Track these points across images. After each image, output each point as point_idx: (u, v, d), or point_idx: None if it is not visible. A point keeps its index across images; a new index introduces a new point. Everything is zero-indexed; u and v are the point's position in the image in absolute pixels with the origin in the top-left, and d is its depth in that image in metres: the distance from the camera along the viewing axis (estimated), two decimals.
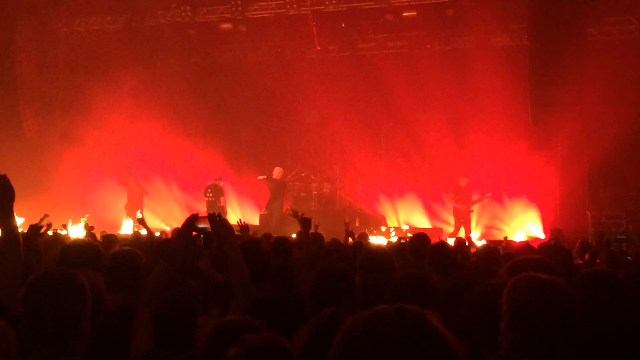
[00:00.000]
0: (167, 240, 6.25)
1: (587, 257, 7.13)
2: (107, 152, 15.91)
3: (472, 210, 13.81)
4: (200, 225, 3.15)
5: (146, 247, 5.44)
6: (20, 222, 7.95)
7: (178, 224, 5.09)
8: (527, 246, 6.26)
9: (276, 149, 17.12)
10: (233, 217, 14.84)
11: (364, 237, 8.75)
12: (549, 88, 12.71)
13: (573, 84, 12.67)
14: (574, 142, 13.11)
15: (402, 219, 15.37)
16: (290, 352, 2.08)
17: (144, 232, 7.96)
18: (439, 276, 4.07)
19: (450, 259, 4.50)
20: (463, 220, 13.73)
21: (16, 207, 3.08)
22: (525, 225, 13.62)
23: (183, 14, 15.59)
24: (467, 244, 8.28)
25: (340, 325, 1.30)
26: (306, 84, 15.38)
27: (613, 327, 2.54)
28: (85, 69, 15.91)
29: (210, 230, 3.24)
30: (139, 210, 14.07)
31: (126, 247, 4.01)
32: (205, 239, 3.27)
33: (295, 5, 14.88)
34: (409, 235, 10.47)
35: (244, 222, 6.57)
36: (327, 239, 7.18)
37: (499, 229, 14.01)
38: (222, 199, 15.08)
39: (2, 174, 3.07)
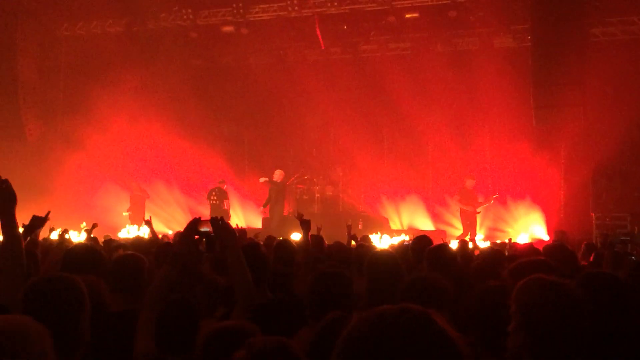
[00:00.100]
0: (167, 243, 6.24)
1: (592, 258, 7.08)
2: (109, 155, 15.91)
3: (479, 212, 13.71)
4: (203, 229, 3.13)
5: (147, 249, 5.42)
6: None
7: (180, 227, 5.07)
8: (531, 248, 6.22)
9: (279, 151, 17.10)
10: (236, 220, 14.84)
11: (366, 239, 8.70)
12: (552, 89, 12.66)
13: (576, 85, 12.62)
14: (577, 143, 13.10)
15: (405, 221, 15.33)
16: (297, 355, 2.05)
17: (144, 232, 7.94)
18: None
19: (449, 260, 4.47)
20: (469, 222, 13.59)
21: (18, 211, 3.07)
22: (529, 227, 13.55)
23: (184, 16, 15.60)
24: (471, 245, 8.24)
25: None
26: (308, 86, 15.37)
27: (613, 327, 2.55)
28: (87, 72, 15.90)
29: (212, 233, 3.22)
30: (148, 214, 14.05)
31: (129, 252, 4.00)
32: (207, 243, 3.25)
33: (297, 8, 14.85)
34: (406, 238, 10.47)
35: (241, 227, 6.56)
36: (330, 241, 7.14)
37: (502, 231, 13.95)
38: (226, 202, 15.13)
39: (3, 178, 3.06)
